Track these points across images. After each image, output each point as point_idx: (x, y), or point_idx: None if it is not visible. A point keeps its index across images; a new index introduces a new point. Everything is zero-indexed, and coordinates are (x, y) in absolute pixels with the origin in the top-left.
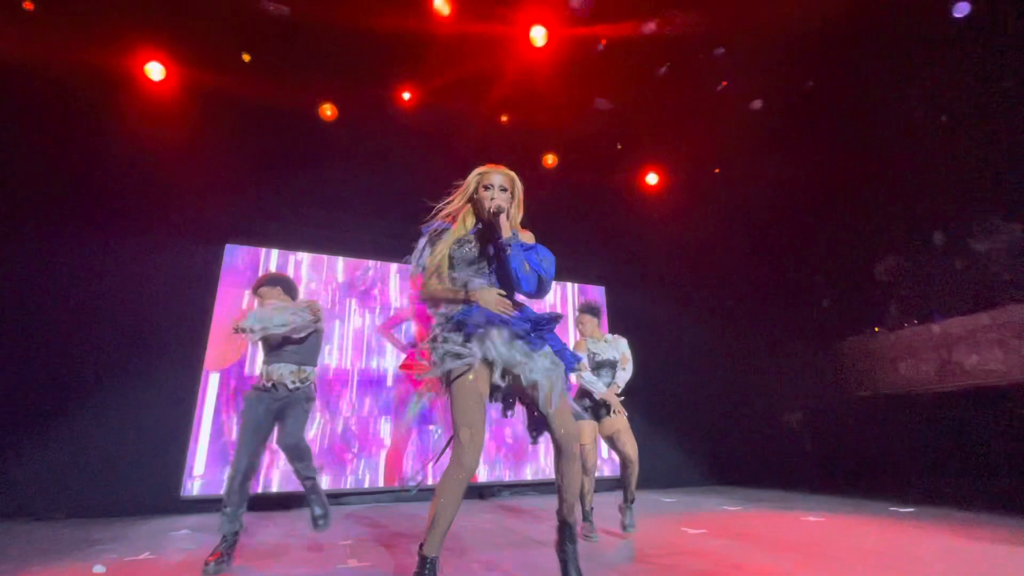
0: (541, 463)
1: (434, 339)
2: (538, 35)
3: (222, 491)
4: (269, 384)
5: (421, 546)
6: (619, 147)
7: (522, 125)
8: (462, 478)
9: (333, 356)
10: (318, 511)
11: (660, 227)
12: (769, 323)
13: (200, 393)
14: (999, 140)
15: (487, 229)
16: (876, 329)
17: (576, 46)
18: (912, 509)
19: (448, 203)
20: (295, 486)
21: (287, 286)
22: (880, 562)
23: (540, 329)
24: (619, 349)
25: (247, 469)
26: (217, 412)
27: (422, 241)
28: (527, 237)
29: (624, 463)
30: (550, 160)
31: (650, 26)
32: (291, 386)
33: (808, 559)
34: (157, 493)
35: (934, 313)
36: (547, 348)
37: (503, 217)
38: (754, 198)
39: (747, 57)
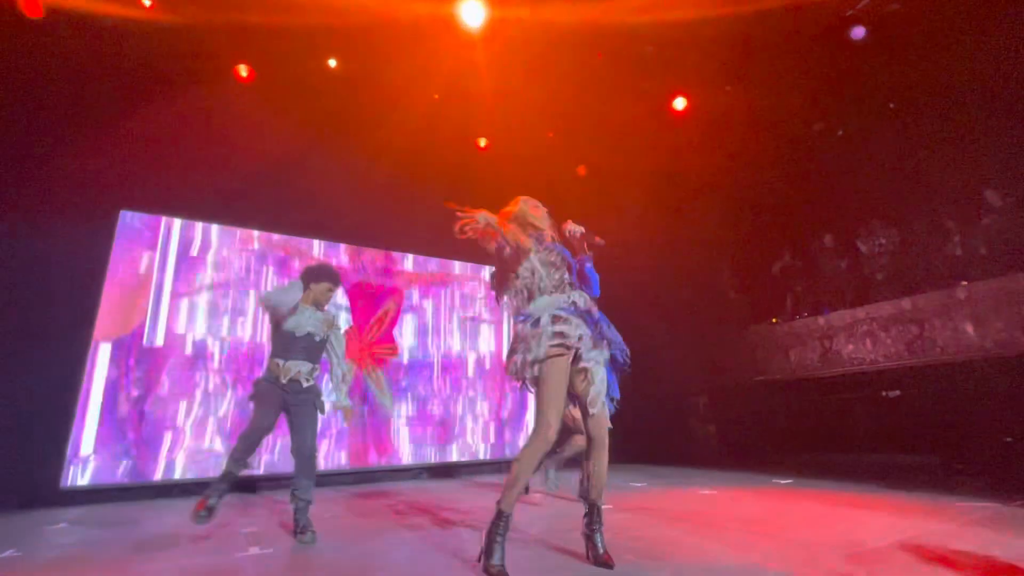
0: (469, 441)
1: (538, 321)
2: (471, 16)
3: (234, 443)
4: (285, 380)
5: (499, 503)
6: (550, 135)
7: (454, 105)
8: (543, 448)
9: (246, 329)
10: (309, 536)
11: (578, 211)
12: (679, 313)
13: (88, 370)
14: (882, 154)
15: (569, 245)
16: (774, 320)
17: (511, 29)
18: (791, 481)
19: (508, 233)
20: (193, 472)
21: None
22: (754, 526)
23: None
24: None
25: (262, 434)
26: (111, 388)
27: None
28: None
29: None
30: (482, 143)
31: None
32: (305, 384)
33: (695, 527)
34: (33, 483)
35: (821, 306)
36: (606, 354)
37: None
38: (670, 194)
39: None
